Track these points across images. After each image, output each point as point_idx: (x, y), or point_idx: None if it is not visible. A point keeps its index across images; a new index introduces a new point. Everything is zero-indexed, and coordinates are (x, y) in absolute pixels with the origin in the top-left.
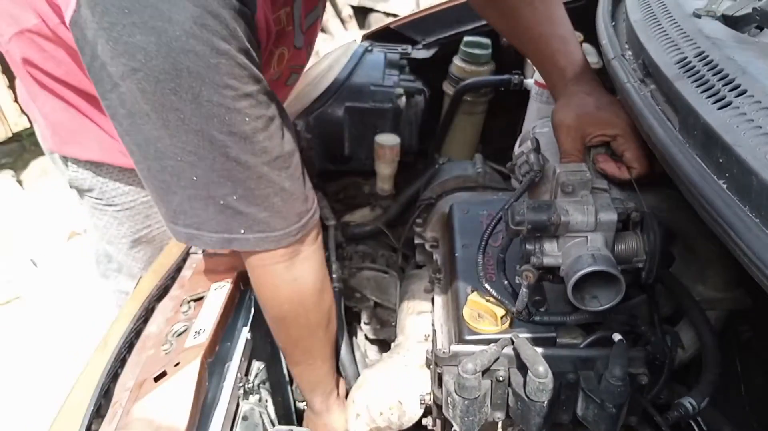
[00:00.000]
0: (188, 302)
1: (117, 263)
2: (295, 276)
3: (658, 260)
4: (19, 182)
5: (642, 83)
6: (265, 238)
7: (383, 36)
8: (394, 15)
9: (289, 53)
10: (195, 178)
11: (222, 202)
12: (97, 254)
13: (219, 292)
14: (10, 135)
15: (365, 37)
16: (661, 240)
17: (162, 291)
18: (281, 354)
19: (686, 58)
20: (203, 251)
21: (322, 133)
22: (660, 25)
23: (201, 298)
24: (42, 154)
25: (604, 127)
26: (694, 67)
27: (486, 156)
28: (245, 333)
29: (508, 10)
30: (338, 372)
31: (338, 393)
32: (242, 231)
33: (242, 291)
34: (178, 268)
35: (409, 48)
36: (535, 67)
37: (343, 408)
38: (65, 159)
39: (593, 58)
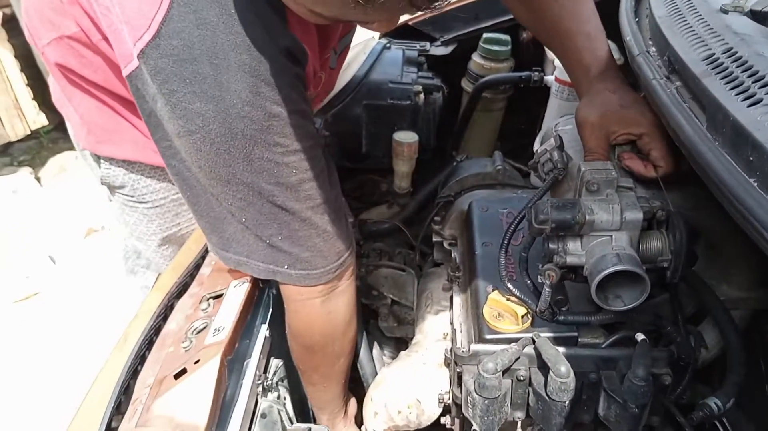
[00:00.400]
0: (207, 299)
1: (145, 259)
2: (329, 309)
3: (684, 259)
4: (38, 179)
5: (667, 80)
6: (307, 275)
7: (402, 33)
8: None
9: (326, 76)
10: (244, 220)
11: (268, 241)
12: (125, 250)
13: (238, 290)
14: (29, 132)
15: (383, 34)
16: (686, 240)
17: (181, 289)
18: None
19: (714, 54)
20: None
21: (340, 131)
22: (686, 21)
23: (220, 295)
24: (60, 151)
25: (629, 126)
26: (722, 63)
27: (504, 153)
28: (264, 331)
29: (536, 4)
30: (350, 391)
31: (346, 412)
32: (286, 267)
33: (261, 289)
34: (197, 265)
35: (427, 45)
36: (559, 63)
37: (348, 427)
38: (98, 157)
39: (614, 55)
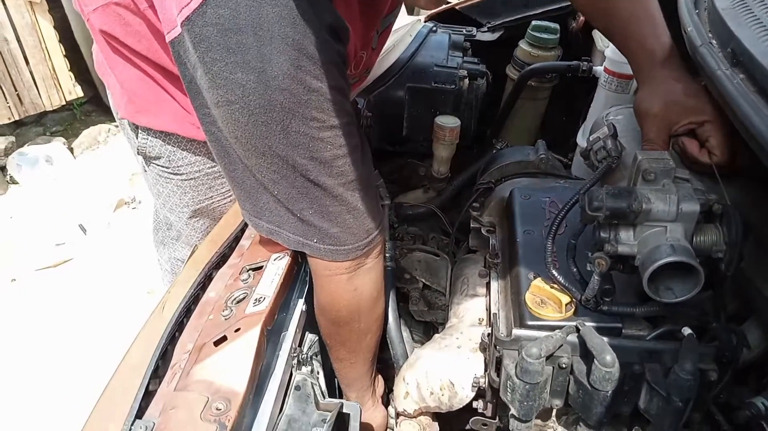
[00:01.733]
0: (248, 270)
1: (176, 231)
2: (356, 286)
3: (739, 253)
4: (70, 150)
5: (731, 71)
6: (335, 250)
7: (448, 17)
8: None
9: (367, 56)
10: (276, 193)
11: (299, 214)
12: (157, 221)
13: (278, 263)
14: (64, 103)
15: (429, 18)
16: (742, 233)
17: (221, 259)
18: None
19: None
20: None
21: (382, 112)
22: (752, 11)
23: (260, 268)
24: (93, 123)
25: (692, 114)
26: None
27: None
28: (300, 305)
29: None
30: (378, 371)
31: (374, 392)
32: (315, 241)
33: (299, 264)
34: (236, 238)
35: (474, 30)
36: (610, 53)
37: (376, 406)
38: (135, 127)
39: None
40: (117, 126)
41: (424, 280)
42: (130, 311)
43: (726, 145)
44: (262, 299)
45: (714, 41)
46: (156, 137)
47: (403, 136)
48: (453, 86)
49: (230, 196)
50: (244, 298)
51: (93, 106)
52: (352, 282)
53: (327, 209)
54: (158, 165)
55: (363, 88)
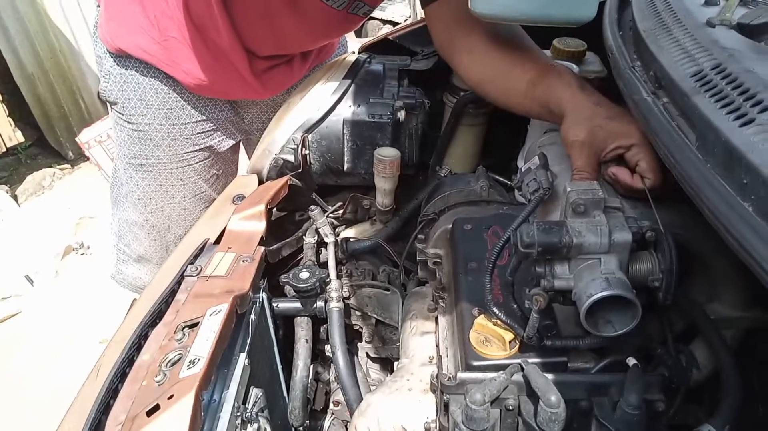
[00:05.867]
0: (182, 329)
1: (125, 187)
2: None
3: (676, 280)
4: (14, 197)
5: (655, 96)
6: None
7: (382, 47)
8: (391, 22)
9: None
10: None
11: None
12: (113, 176)
13: (215, 318)
14: (5, 149)
15: (363, 49)
16: (677, 259)
17: (156, 317)
18: (281, 377)
19: (702, 70)
20: (198, 274)
21: (321, 148)
22: (672, 35)
23: (196, 324)
24: (39, 167)
25: (619, 138)
26: (711, 80)
27: (488, 167)
28: (242, 360)
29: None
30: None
31: None
32: None
33: (239, 315)
34: (172, 291)
35: (408, 59)
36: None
37: None
38: (105, 56)
39: (597, 67)
40: (63, 169)
41: (376, 316)
42: (82, 363)
43: (657, 167)
44: (196, 360)
45: (639, 63)
46: (117, 76)
47: (344, 170)
48: (390, 118)
49: (176, 159)
50: (179, 360)
51: (38, 149)
52: None
53: None
54: (116, 111)
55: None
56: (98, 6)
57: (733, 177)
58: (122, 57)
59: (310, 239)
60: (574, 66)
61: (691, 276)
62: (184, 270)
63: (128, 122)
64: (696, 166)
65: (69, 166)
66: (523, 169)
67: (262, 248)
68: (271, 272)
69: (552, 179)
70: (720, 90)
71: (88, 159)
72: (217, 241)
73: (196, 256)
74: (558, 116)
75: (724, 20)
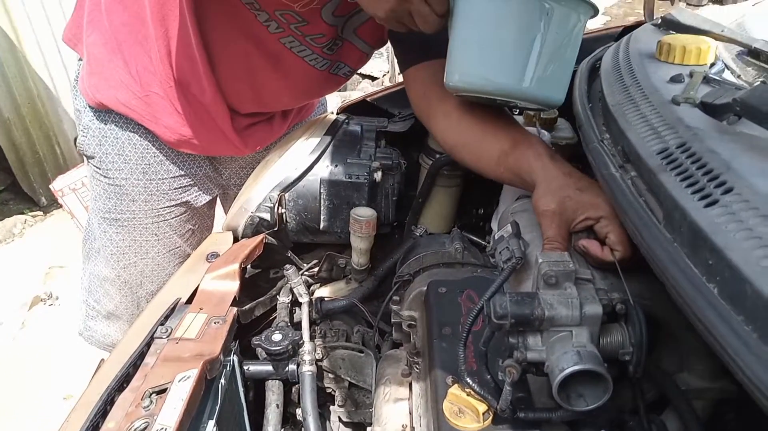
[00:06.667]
0: (150, 395)
1: (98, 242)
2: None
3: (645, 352)
4: None
5: (623, 170)
6: None
7: (360, 108)
8: (370, 76)
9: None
10: None
11: None
12: (87, 230)
13: (184, 384)
14: None
15: (342, 110)
16: (647, 332)
17: (123, 380)
18: None
19: (668, 148)
20: (168, 335)
21: (298, 206)
22: (639, 110)
23: (164, 390)
24: (10, 214)
25: (588, 209)
26: (676, 159)
27: (463, 227)
28: (211, 428)
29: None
30: None
31: None
32: None
33: (209, 381)
34: (141, 354)
35: (385, 121)
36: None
37: None
38: (84, 110)
39: (568, 134)
40: (34, 216)
41: (349, 379)
42: (45, 421)
43: (626, 240)
44: (163, 430)
45: (608, 135)
46: (95, 130)
47: (320, 229)
48: (367, 178)
49: (152, 215)
50: (145, 429)
51: (11, 194)
52: None
53: None
54: (93, 165)
55: (276, 183)
56: (80, 59)
57: (698, 257)
58: (102, 111)
59: (284, 299)
60: (546, 133)
61: (662, 345)
62: (154, 332)
63: (105, 176)
64: (663, 245)
65: (41, 213)
66: (496, 237)
67: (235, 309)
68: (244, 332)
69: (524, 248)
70: (685, 169)
71: (61, 206)
72: (189, 301)
73: (167, 316)
74: (530, 185)
75: (688, 98)
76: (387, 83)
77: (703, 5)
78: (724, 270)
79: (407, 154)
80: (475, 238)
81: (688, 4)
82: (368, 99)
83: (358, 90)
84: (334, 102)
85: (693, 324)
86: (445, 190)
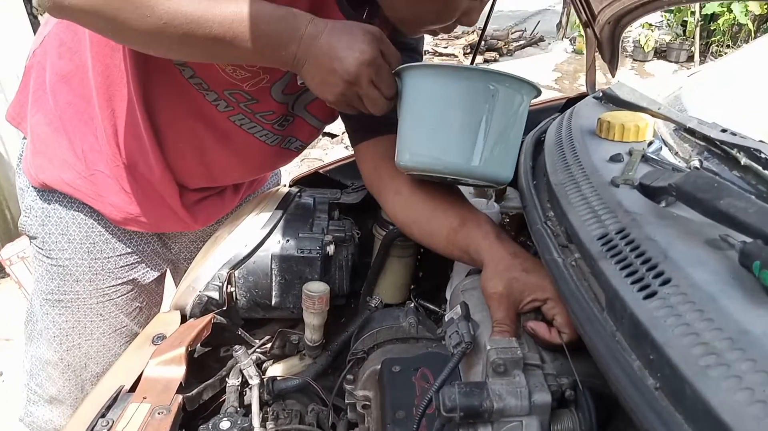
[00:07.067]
0: None
1: (40, 324)
2: None
3: None
4: None
5: (567, 250)
6: None
7: (313, 180)
8: (329, 134)
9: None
10: None
11: None
12: (28, 312)
13: None
14: None
15: (294, 182)
16: (596, 416)
17: None
18: None
19: (608, 233)
20: (108, 429)
21: (248, 283)
22: (580, 191)
23: None
24: None
25: (534, 291)
26: (616, 245)
27: (419, 294)
28: None
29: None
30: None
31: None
32: None
33: None
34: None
35: (338, 192)
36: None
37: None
38: (27, 190)
39: (518, 203)
40: None
41: None
42: None
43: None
44: None
45: (552, 213)
46: (38, 210)
47: (272, 305)
48: (319, 253)
49: (97, 294)
50: None
51: None
52: None
53: None
54: (35, 245)
55: (227, 259)
56: (24, 138)
57: (641, 350)
58: (46, 191)
59: (233, 381)
60: (495, 205)
61: (614, 423)
62: (95, 425)
63: (47, 257)
64: (605, 340)
65: None
66: (446, 319)
67: (180, 397)
68: (191, 417)
69: (473, 330)
70: (625, 257)
71: (8, 276)
72: (133, 388)
73: (108, 407)
74: (478, 263)
75: (627, 180)
76: (347, 140)
77: (648, 60)
78: (664, 368)
79: (362, 223)
80: (431, 306)
81: (634, 59)
82: (321, 171)
83: (317, 148)
84: (294, 163)
85: (635, 422)
86: (399, 260)
